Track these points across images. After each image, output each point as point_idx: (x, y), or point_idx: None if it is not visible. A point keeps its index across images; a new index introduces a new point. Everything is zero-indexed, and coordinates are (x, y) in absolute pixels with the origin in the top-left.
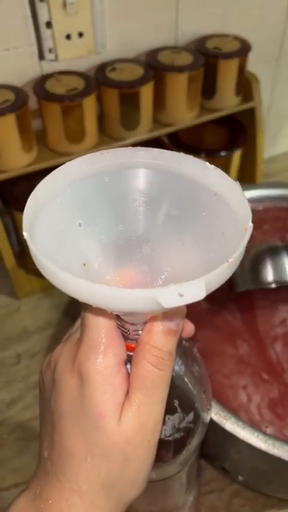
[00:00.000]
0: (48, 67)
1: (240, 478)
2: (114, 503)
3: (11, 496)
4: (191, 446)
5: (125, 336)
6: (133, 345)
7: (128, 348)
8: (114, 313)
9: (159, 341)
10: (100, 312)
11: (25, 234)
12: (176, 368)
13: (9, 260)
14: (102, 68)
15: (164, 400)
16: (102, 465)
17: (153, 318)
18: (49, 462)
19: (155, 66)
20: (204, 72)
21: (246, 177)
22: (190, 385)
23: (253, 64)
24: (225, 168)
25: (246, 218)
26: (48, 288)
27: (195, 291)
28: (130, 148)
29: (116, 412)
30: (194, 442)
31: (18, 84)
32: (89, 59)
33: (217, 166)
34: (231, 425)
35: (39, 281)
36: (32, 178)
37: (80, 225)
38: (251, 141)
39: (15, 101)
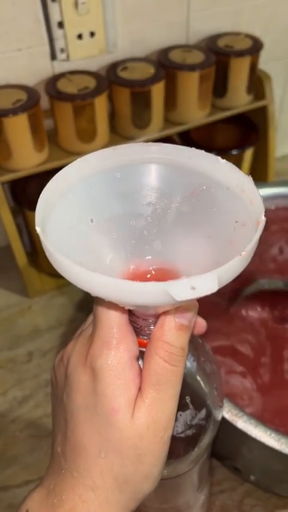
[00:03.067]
0: (60, 67)
1: (252, 477)
2: (127, 498)
3: (24, 492)
4: (202, 443)
5: (137, 332)
6: (145, 341)
7: (140, 344)
8: (126, 307)
9: (172, 337)
10: (112, 306)
11: (38, 228)
12: (188, 364)
13: (21, 259)
14: (113, 67)
15: (176, 395)
16: (115, 460)
17: (166, 313)
18: (62, 458)
19: (166, 65)
20: (216, 71)
21: (258, 176)
22: (202, 382)
23: (265, 62)
24: (237, 166)
25: (259, 212)
26: (59, 287)
27: (208, 284)
28: (141, 143)
29: (129, 407)
30: (206, 440)
31: (31, 83)
32: (100, 58)
33: None
34: (243, 423)
35: (50, 280)
36: (44, 178)
37: (91, 220)
38: (262, 139)
39: (28, 101)
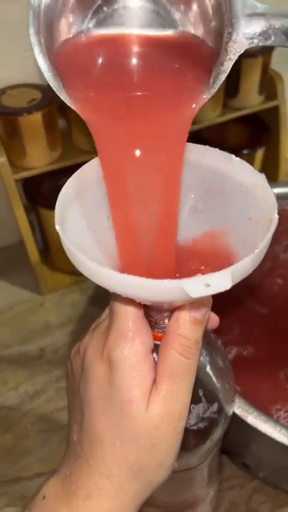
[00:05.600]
0: None
1: (261, 474)
2: (141, 487)
3: (35, 485)
4: (213, 437)
5: (152, 326)
6: (160, 334)
7: (155, 337)
8: (143, 303)
9: (186, 330)
10: (129, 301)
11: (57, 227)
12: (201, 359)
13: (34, 256)
14: None
15: (190, 388)
16: (130, 449)
17: (180, 308)
18: (79, 446)
19: None
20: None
21: (269, 176)
22: (214, 377)
23: (277, 62)
24: None
25: (272, 209)
26: (71, 284)
27: (222, 282)
28: None
29: (144, 398)
30: (217, 433)
31: (45, 83)
32: None
33: None
34: (253, 419)
35: (62, 277)
36: (57, 176)
37: (108, 218)
38: (274, 139)
39: (42, 100)
